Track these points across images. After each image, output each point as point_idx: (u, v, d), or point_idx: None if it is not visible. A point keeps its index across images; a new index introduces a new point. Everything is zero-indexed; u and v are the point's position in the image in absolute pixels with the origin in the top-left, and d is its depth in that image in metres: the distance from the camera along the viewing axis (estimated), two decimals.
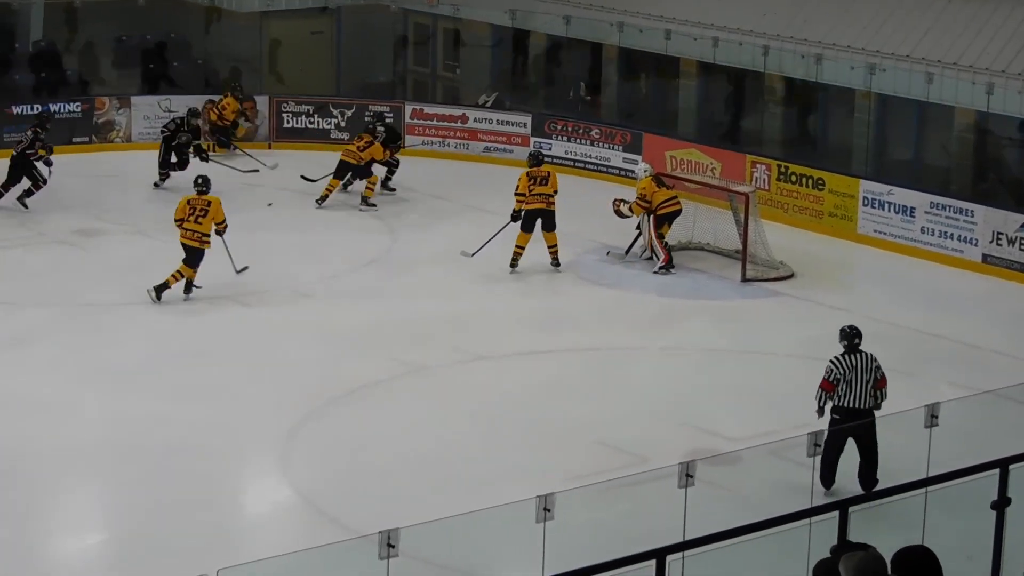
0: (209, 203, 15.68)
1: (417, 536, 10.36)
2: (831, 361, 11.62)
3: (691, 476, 8.63)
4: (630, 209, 17.56)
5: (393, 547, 7.58)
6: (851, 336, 11.76)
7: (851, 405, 11.50)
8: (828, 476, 11.42)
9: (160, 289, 15.49)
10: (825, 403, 11.66)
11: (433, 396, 13.92)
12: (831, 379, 11.55)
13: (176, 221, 15.72)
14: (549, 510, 7.98)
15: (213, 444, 12.42)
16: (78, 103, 22.38)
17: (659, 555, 6.56)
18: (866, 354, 11.72)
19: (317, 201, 19.36)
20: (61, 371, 14.08)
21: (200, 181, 15.97)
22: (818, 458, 9.08)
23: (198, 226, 15.58)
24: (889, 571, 6.13)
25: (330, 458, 12.45)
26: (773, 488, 11.16)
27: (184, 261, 15.59)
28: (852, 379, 11.52)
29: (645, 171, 17.77)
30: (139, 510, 11.50)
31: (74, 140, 22.10)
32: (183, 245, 15.66)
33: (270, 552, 9.13)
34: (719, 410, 13.69)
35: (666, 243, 17.55)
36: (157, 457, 12.19)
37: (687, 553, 6.94)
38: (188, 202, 15.78)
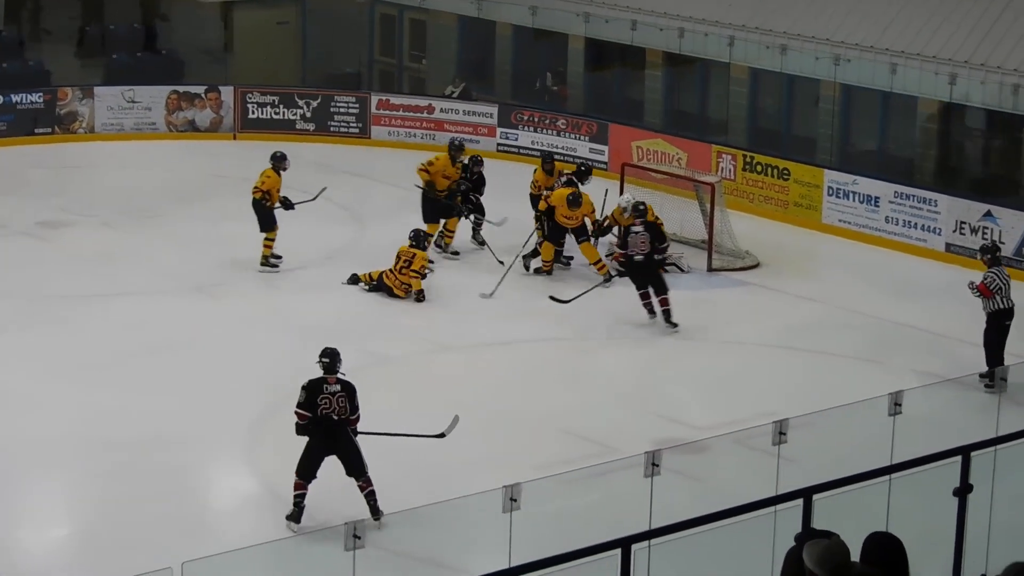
0: (414, 256, 16.11)
1: (383, 526, 10.35)
2: (991, 274, 13.73)
3: (657, 465, 8.67)
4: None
5: (359, 538, 7.58)
6: (993, 250, 14.12)
7: (1008, 305, 13.79)
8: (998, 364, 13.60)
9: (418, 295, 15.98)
10: (986, 308, 13.79)
11: (400, 387, 13.91)
12: (993, 288, 13.70)
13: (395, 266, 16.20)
14: (515, 500, 8.00)
15: (180, 436, 12.37)
16: (40, 93, 22.22)
17: (625, 544, 6.57)
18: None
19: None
20: (26, 364, 14.00)
21: (412, 235, 16.29)
22: (783, 446, 9.31)
23: (403, 276, 16.03)
24: (857, 557, 6.17)
25: (297, 450, 12.40)
26: (739, 476, 11.20)
27: (416, 299, 16.00)
28: (1008, 283, 13.80)
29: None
30: (105, 503, 11.45)
31: (36, 131, 21.95)
32: (388, 288, 16.04)
33: (236, 544, 9.12)
34: (686, 399, 13.75)
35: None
36: (123, 449, 12.13)
37: (653, 542, 6.95)
38: (399, 255, 16.17)
